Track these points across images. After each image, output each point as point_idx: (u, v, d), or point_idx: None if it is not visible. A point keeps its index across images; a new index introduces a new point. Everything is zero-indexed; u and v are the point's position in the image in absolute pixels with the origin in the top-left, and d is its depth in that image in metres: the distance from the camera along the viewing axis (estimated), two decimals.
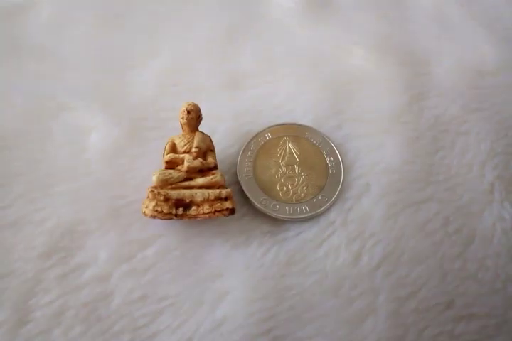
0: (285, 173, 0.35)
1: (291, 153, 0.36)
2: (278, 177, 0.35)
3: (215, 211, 0.30)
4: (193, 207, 0.30)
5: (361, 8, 0.48)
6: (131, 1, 0.45)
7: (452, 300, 0.32)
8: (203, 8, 0.46)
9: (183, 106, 0.32)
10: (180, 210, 0.30)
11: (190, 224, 0.32)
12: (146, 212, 0.29)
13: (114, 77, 0.39)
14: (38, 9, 0.43)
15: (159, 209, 0.29)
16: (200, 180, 0.31)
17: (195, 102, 0.32)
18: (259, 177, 0.34)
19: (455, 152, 0.38)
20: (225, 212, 0.30)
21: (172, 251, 0.31)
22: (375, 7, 0.49)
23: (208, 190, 0.31)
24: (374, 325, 0.30)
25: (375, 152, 0.37)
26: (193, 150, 0.32)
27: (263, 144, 0.36)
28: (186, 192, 0.30)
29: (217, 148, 0.33)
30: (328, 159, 0.36)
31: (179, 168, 0.31)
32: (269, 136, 0.36)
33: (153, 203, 0.29)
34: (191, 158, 0.31)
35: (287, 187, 0.34)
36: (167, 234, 0.32)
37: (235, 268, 0.31)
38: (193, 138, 0.32)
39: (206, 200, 0.30)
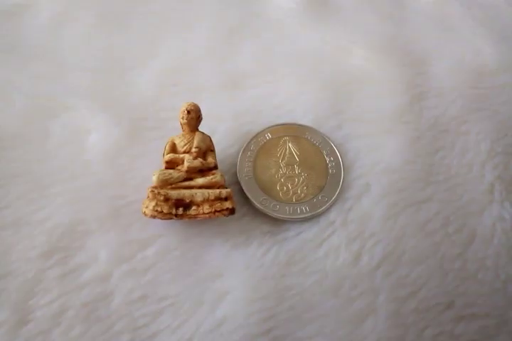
0: (285, 173, 0.35)
1: (291, 153, 0.36)
2: (278, 177, 0.35)
3: (215, 211, 0.30)
4: (193, 207, 0.30)
5: (361, 8, 0.48)
6: (131, 1, 0.45)
7: (452, 300, 0.32)
8: (203, 8, 0.46)
9: (183, 106, 0.32)
10: (180, 210, 0.30)
11: (190, 224, 0.32)
12: (146, 212, 0.29)
13: (114, 77, 0.39)
14: (38, 9, 0.43)
15: (159, 209, 0.29)
16: (200, 180, 0.31)
17: (195, 102, 0.32)
18: (259, 177, 0.34)
19: (455, 152, 0.38)
20: (225, 212, 0.30)
21: (172, 251, 0.31)
22: (375, 7, 0.49)
23: (208, 190, 0.31)
24: (374, 325, 0.30)
25: (375, 152, 0.37)
26: (193, 150, 0.32)
27: (263, 144, 0.36)
28: (186, 192, 0.30)
29: (217, 148, 0.33)
30: (328, 159, 0.36)
31: (179, 168, 0.31)
32: (269, 136, 0.36)
33: (153, 203, 0.29)
34: (191, 158, 0.31)
35: (287, 187, 0.34)
36: (167, 234, 0.32)
37: (235, 268, 0.31)
38: (193, 138, 0.32)
39: (206, 200, 0.30)
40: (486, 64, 0.44)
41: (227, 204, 0.30)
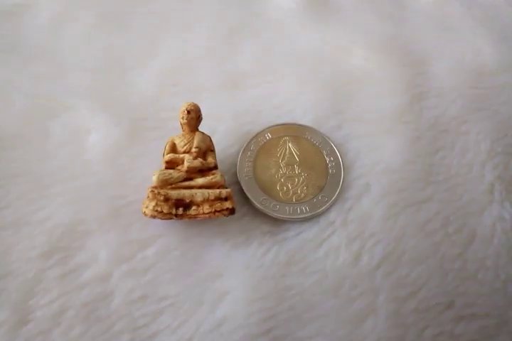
0: (285, 173, 0.35)
1: (291, 153, 0.36)
2: (278, 177, 0.35)
3: (215, 211, 0.30)
4: (193, 207, 0.30)
5: (361, 8, 0.48)
6: (131, 1, 0.45)
7: (452, 300, 0.32)
8: (203, 8, 0.46)
9: (183, 106, 0.32)
10: (180, 210, 0.30)
11: (190, 224, 0.32)
12: (146, 212, 0.29)
13: (114, 77, 0.39)
14: (38, 9, 0.43)
15: (159, 209, 0.29)
16: (200, 180, 0.31)
17: (195, 102, 0.32)
18: (259, 177, 0.34)
19: (455, 152, 0.38)
20: (225, 212, 0.30)
21: (172, 251, 0.31)
22: (375, 7, 0.49)
23: (208, 190, 0.31)
24: (374, 325, 0.30)
25: (375, 152, 0.37)
26: (193, 150, 0.32)
27: (263, 144, 0.36)
28: (186, 192, 0.30)
29: (217, 148, 0.33)
30: (328, 159, 0.36)
31: (179, 168, 0.31)
32: (269, 136, 0.36)
33: (153, 203, 0.29)
34: (191, 158, 0.31)
35: (287, 187, 0.34)
36: (167, 234, 0.32)
37: (235, 268, 0.31)
38: (193, 138, 0.32)
39: (206, 200, 0.30)
40: (486, 64, 0.44)
41: (227, 204, 0.30)
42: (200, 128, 0.33)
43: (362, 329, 0.30)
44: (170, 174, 0.31)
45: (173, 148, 0.32)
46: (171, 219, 0.30)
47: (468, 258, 0.33)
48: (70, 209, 0.32)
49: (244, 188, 0.34)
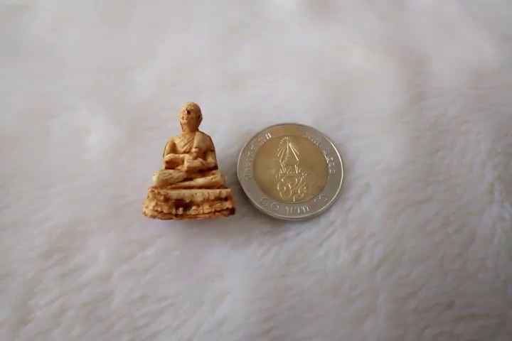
0: (285, 173, 0.35)
1: (291, 153, 0.36)
2: (278, 177, 0.35)
3: (215, 211, 0.30)
4: (193, 207, 0.30)
5: (361, 8, 0.48)
6: (131, 1, 0.45)
7: (452, 300, 0.32)
8: (203, 8, 0.46)
9: (183, 106, 0.32)
10: (180, 210, 0.30)
11: (190, 224, 0.32)
12: (146, 212, 0.29)
13: (114, 77, 0.39)
14: (38, 9, 0.43)
15: (159, 209, 0.29)
16: (200, 180, 0.31)
17: (195, 102, 0.32)
18: (259, 177, 0.34)
19: (455, 152, 0.38)
20: (225, 212, 0.30)
21: (172, 251, 0.31)
22: (375, 7, 0.49)
23: (208, 190, 0.31)
24: (374, 325, 0.30)
25: (375, 152, 0.37)
26: (193, 150, 0.32)
27: (263, 144, 0.36)
28: (186, 192, 0.30)
29: (217, 148, 0.33)
30: (328, 159, 0.36)
31: (179, 168, 0.31)
32: (269, 136, 0.36)
33: (153, 203, 0.29)
34: (191, 158, 0.31)
35: (287, 187, 0.34)
36: (167, 234, 0.32)
37: (235, 268, 0.31)
38: (193, 138, 0.32)
39: (206, 200, 0.30)
40: (486, 64, 0.44)
41: (227, 204, 0.30)
42: (200, 128, 0.33)
43: (362, 329, 0.30)
44: (170, 174, 0.31)
45: (173, 148, 0.32)
46: (171, 219, 0.30)
47: (468, 258, 0.33)
48: (70, 209, 0.32)
49: (244, 188, 0.34)
